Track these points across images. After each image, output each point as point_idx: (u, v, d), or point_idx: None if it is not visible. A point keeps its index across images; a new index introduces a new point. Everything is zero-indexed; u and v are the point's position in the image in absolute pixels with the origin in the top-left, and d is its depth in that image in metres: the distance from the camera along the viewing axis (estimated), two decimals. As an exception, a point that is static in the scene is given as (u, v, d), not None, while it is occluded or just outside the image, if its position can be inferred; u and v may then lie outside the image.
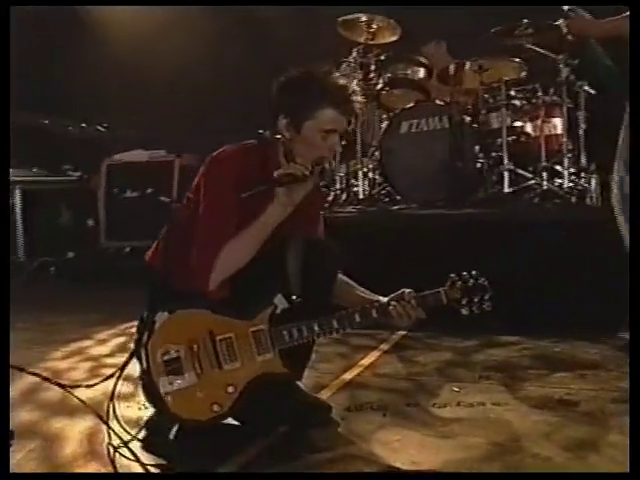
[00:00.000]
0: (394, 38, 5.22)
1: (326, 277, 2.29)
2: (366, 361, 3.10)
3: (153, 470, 1.94)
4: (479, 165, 4.55)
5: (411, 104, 4.68)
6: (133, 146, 6.41)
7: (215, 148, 2.31)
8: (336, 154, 2.33)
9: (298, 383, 2.34)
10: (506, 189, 4.60)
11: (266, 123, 2.32)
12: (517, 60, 4.72)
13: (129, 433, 2.08)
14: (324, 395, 2.60)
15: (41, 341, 3.53)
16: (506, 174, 4.59)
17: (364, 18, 5.12)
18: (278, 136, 2.25)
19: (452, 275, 2.24)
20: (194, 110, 6.40)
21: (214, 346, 2.09)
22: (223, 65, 6.09)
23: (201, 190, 2.23)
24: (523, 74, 4.79)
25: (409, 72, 5.03)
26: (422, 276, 3.82)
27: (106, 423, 2.08)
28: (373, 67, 5.11)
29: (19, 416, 2.36)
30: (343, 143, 2.33)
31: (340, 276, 2.38)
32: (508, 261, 3.80)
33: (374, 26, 5.12)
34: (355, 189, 5.08)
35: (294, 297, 2.18)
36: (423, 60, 5.06)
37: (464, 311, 2.23)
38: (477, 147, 4.55)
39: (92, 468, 1.94)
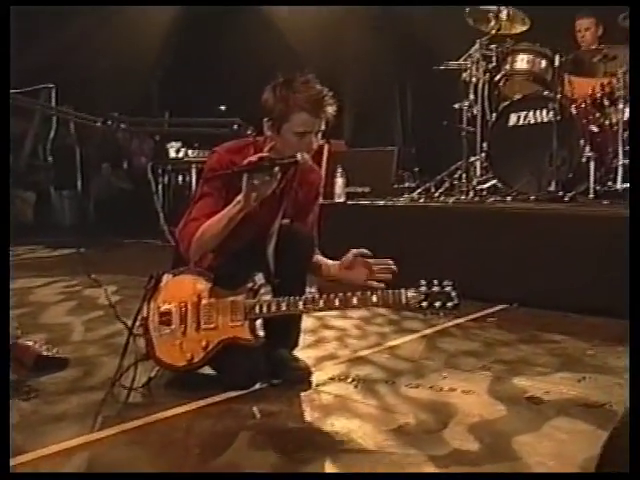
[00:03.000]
0: (523, 29, 5.18)
1: (298, 262, 2.62)
2: (396, 342, 3.33)
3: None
4: (584, 160, 4.41)
5: (518, 96, 4.65)
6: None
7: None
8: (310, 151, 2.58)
9: (282, 349, 2.72)
10: (619, 185, 4.42)
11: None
12: (644, 49, 4.43)
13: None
14: (326, 365, 2.93)
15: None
16: (620, 169, 4.41)
17: (493, 8, 5.14)
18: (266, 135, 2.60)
19: (422, 280, 2.43)
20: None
21: (198, 308, 2.54)
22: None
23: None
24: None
25: (530, 63, 4.95)
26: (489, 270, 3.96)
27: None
28: (495, 58, 5.12)
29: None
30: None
31: (320, 258, 2.70)
32: (596, 259, 3.73)
33: (503, 16, 5.12)
34: (472, 182, 5.17)
35: (273, 278, 2.57)
36: (546, 51, 4.94)
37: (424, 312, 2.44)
38: (582, 141, 4.40)
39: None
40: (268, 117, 2.55)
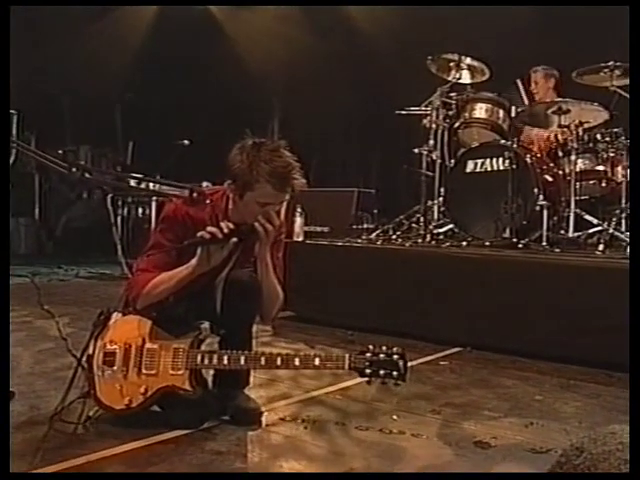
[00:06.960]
0: (483, 78, 5.35)
1: (242, 315, 2.61)
2: (349, 383, 3.32)
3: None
4: (538, 208, 4.52)
5: (476, 144, 4.78)
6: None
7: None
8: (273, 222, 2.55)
9: (233, 388, 2.70)
10: (570, 233, 4.54)
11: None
12: (596, 104, 4.62)
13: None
14: (278, 405, 2.91)
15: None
16: (572, 218, 4.54)
17: (455, 58, 5.30)
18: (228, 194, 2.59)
19: (370, 345, 2.40)
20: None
21: (141, 352, 2.51)
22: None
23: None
24: (604, 118, 4.68)
25: (488, 112, 5.10)
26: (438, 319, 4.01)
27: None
28: (455, 106, 5.26)
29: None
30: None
31: None
32: (543, 306, 3.80)
33: (463, 66, 5.29)
34: (430, 226, 5.23)
35: (218, 329, 2.61)
36: (504, 102, 5.10)
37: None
38: (536, 189, 4.52)
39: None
40: (232, 180, 2.51)
